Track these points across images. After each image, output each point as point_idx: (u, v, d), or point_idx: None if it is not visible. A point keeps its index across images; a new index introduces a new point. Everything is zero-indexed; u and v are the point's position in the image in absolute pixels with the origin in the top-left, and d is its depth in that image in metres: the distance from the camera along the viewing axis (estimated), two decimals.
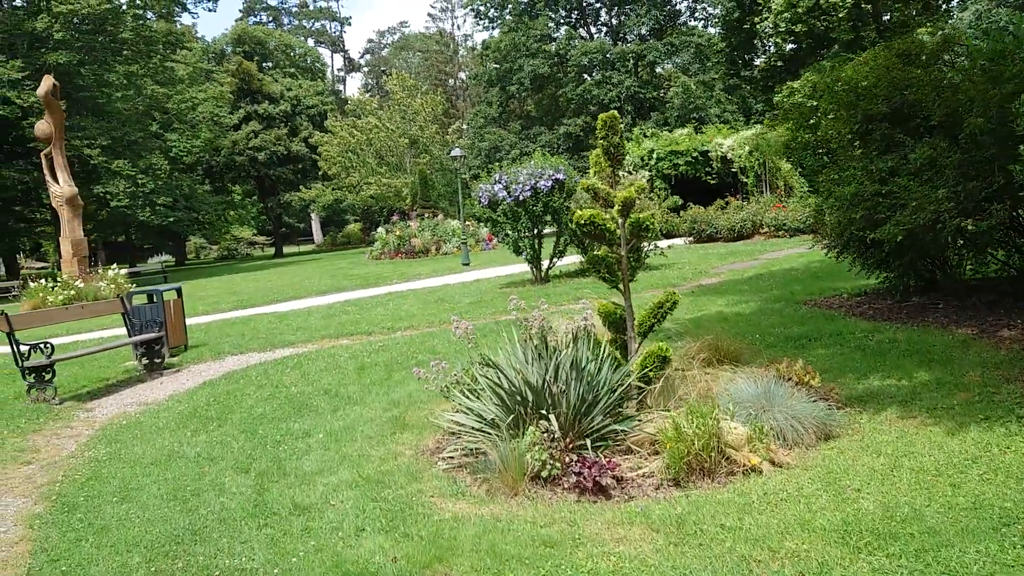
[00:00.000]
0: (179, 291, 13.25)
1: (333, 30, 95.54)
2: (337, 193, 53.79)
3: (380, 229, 38.95)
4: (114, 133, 38.68)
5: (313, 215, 75.47)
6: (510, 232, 17.57)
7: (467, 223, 32.59)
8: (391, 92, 50.75)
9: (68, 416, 9.15)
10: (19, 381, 10.24)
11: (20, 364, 9.76)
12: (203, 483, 6.06)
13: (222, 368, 11.50)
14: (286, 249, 68.87)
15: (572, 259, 19.72)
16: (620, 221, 6.87)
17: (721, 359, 7.81)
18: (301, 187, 58.55)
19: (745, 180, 32.85)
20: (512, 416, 5.88)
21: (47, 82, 25.73)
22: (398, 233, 36.33)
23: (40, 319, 10.60)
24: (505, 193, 17.30)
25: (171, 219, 43.60)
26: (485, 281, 20.66)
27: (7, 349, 10.15)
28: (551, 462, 5.32)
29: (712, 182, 32.79)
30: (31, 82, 33.04)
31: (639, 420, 6.00)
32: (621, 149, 6.98)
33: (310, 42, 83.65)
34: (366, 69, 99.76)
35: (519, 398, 5.97)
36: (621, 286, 7.07)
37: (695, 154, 33.77)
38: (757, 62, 54.30)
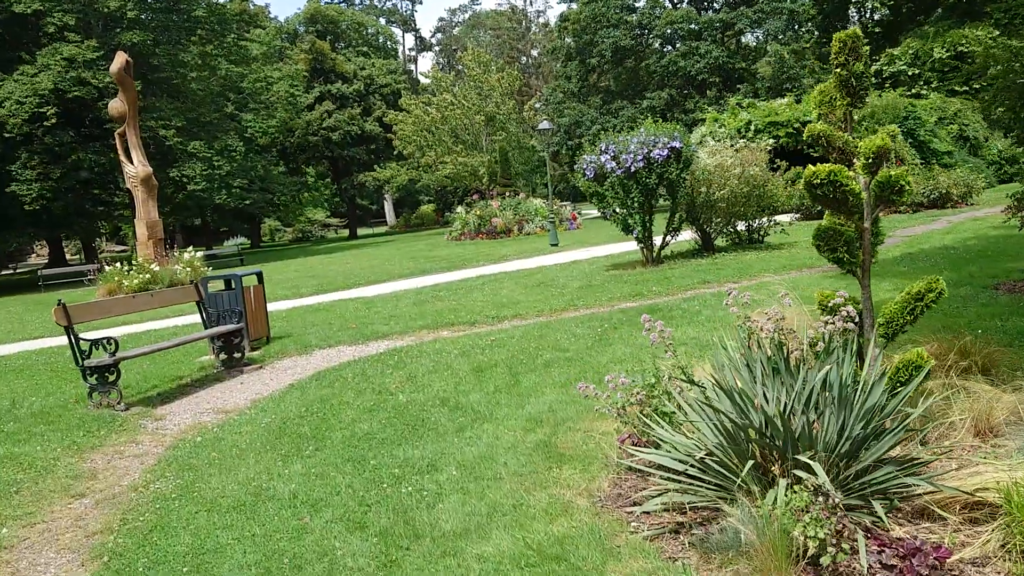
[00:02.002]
0: (259, 276, 11.73)
1: (404, 9, 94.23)
2: (412, 173, 52.39)
3: (459, 209, 37.39)
4: (189, 114, 37.71)
5: (387, 197, 74.44)
6: (619, 208, 15.68)
7: (551, 201, 30.75)
8: (466, 68, 49.08)
9: (134, 427, 7.64)
10: (81, 381, 8.77)
11: (80, 363, 8.29)
12: (304, 546, 4.40)
13: (310, 365, 9.93)
14: (360, 231, 67.93)
15: (682, 237, 17.78)
16: (864, 181, 4.98)
17: (970, 367, 5.89)
18: (376, 167, 57.30)
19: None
20: (748, 461, 4.06)
21: (120, 59, 24.59)
22: (478, 213, 34.71)
23: (100, 311, 9.13)
24: (614, 164, 15.42)
25: (247, 201, 42.63)
26: (585, 263, 18.86)
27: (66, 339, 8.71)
28: (832, 542, 3.48)
29: (815, 154, 30.37)
30: (105, 63, 32.10)
31: (928, 467, 4.15)
32: (865, 81, 5.06)
33: (381, 21, 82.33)
34: (437, 48, 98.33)
35: (754, 433, 4.15)
36: (858, 270, 5.19)
37: (796, 124, 31.43)
38: (858, 25, 51.31)
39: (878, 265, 13.33)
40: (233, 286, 10.95)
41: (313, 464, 5.83)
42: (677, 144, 15.49)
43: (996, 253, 13.24)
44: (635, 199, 15.49)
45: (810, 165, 4.88)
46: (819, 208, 22.94)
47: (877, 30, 45.96)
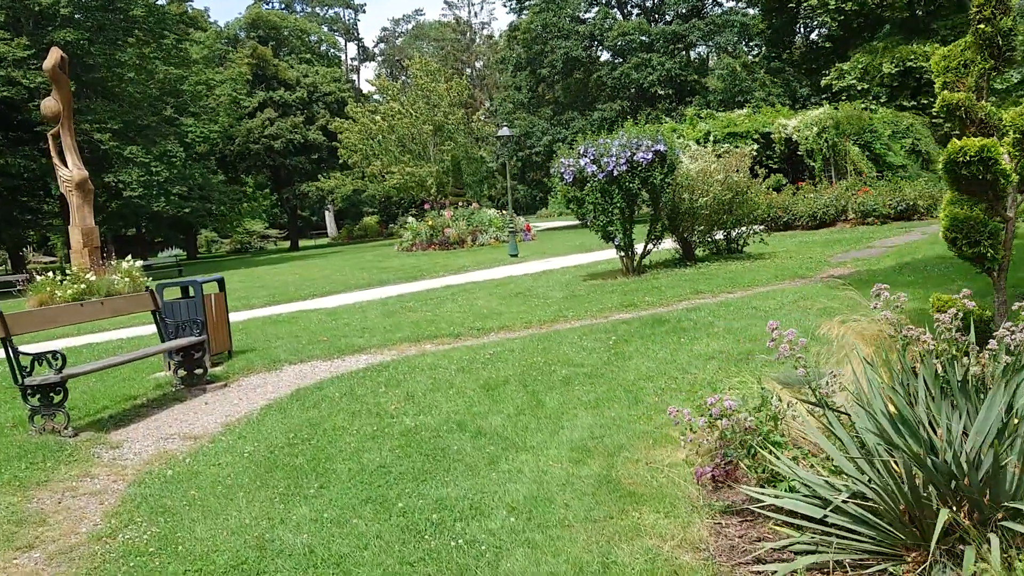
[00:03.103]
0: (221, 283, 10.56)
1: (347, 17, 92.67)
2: (357, 183, 51.04)
3: (410, 219, 36.25)
4: (126, 117, 35.94)
5: (328, 208, 72.75)
6: (600, 215, 14.78)
7: (509, 212, 29.84)
8: (414, 76, 48.01)
9: (86, 456, 6.45)
10: (20, 402, 7.54)
11: (20, 381, 7.06)
12: None
13: (283, 382, 8.80)
14: (301, 243, 66.17)
15: (660, 247, 16.98)
16: (1012, 163, 4.12)
17: None
18: (319, 177, 55.75)
19: (812, 164, 30.15)
20: (943, 510, 3.12)
21: (54, 55, 22.97)
22: (430, 223, 33.62)
23: (44, 320, 7.90)
24: (595, 167, 14.53)
25: (186, 209, 40.87)
26: (557, 273, 17.96)
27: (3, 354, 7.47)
28: None
29: (774, 166, 30.04)
30: (36, 62, 30.32)
31: None
32: (1012, 39, 4.20)
33: (324, 29, 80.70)
34: (380, 58, 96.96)
35: (942, 474, 3.23)
36: (996, 270, 4.34)
37: (756, 136, 31.10)
38: (803, 41, 51.47)
39: (882, 275, 12.68)
40: (192, 294, 9.77)
41: (322, 506, 4.76)
42: (661, 147, 14.68)
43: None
44: (617, 205, 14.62)
45: (954, 139, 4.01)
46: (786, 219, 22.26)
47: (827, 45, 46.24)
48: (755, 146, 25.83)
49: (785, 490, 3.83)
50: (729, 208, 16.13)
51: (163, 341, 9.10)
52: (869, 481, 3.48)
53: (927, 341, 3.92)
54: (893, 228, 21.92)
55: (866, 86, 43.22)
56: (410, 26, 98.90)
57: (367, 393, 7.56)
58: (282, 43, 64.37)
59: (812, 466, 3.95)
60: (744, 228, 17.18)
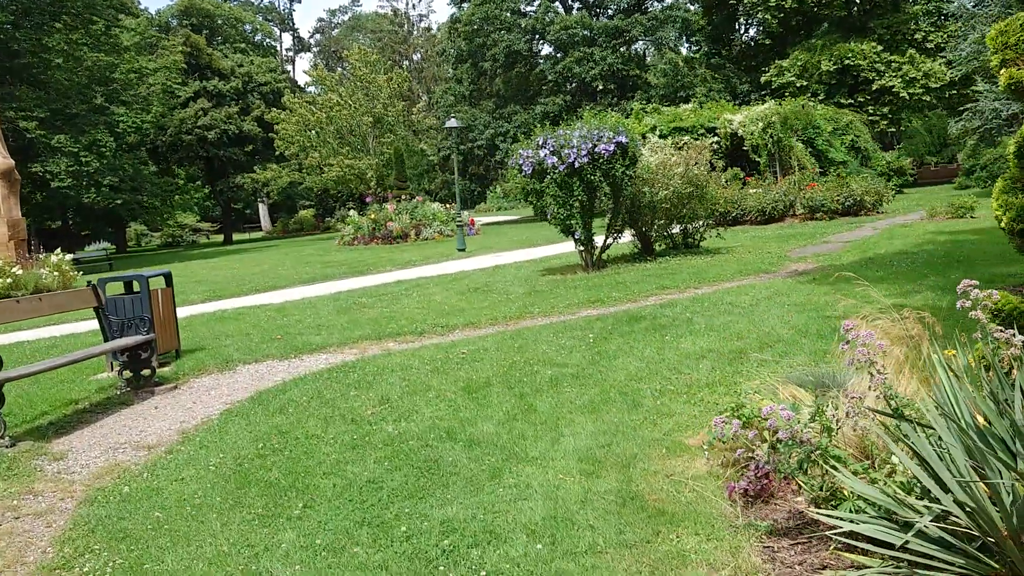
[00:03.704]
0: (168, 277, 9.84)
1: (282, 7, 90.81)
2: (294, 175, 49.85)
3: (352, 212, 35.41)
4: (53, 105, 34.36)
5: (263, 202, 71.09)
6: (560, 208, 14.33)
7: (458, 205, 29.27)
8: (352, 67, 47.04)
9: (27, 469, 5.78)
10: None
11: None
12: None
13: (238, 384, 8.17)
14: (235, 236, 64.52)
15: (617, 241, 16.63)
16: None
17: None
18: (255, 169, 54.33)
19: (757, 159, 30.16)
20: None
21: None
22: (373, 216, 32.82)
23: None
24: (555, 159, 14.08)
25: (118, 201, 39.28)
26: (511, 267, 17.49)
27: None
28: None
29: (720, 161, 30.02)
30: None
31: None
32: None
33: (259, 19, 78.83)
34: (316, 49, 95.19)
35: None
36: None
37: (701, 131, 31.03)
38: (743, 38, 51.81)
39: (848, 270, 12.48)
40: (137, 289, 9.06)
41: (311, 529, 4.21)
42: (623, 139, 14.31)
43: (966, 258, 12.57)
44: (578, 198, 14.20)
45: None
46: (735, 214, 22.09)
47: (767, 42, 46.56)
48: (715, 138, 25.65)
49: (849, 510, 3.41)
50: (688, 202, 15.84)
51: (107, 340, 8.39)
52: (956, 502, 3.08)
53: (1017, 344, 3.53)
54: (842, 223, 21.95)
55: (805, 83, 43.66)
56: (347, 17, 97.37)
57: (337, 396, 6.98)
58: (216, 32, 62.61)
59: (874, 482, 3.54)
60: (701, 223, 16.93)
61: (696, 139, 24.51)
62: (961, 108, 31.00)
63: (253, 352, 9.59)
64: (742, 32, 51.97)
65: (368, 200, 36.22)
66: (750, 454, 3.92)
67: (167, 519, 4.56)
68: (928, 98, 43.46)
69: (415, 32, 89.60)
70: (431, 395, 6.71)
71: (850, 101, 42.72)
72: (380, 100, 46.61)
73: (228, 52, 59.75)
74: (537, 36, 49.09)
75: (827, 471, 3.71)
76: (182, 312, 14.42)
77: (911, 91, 42.72)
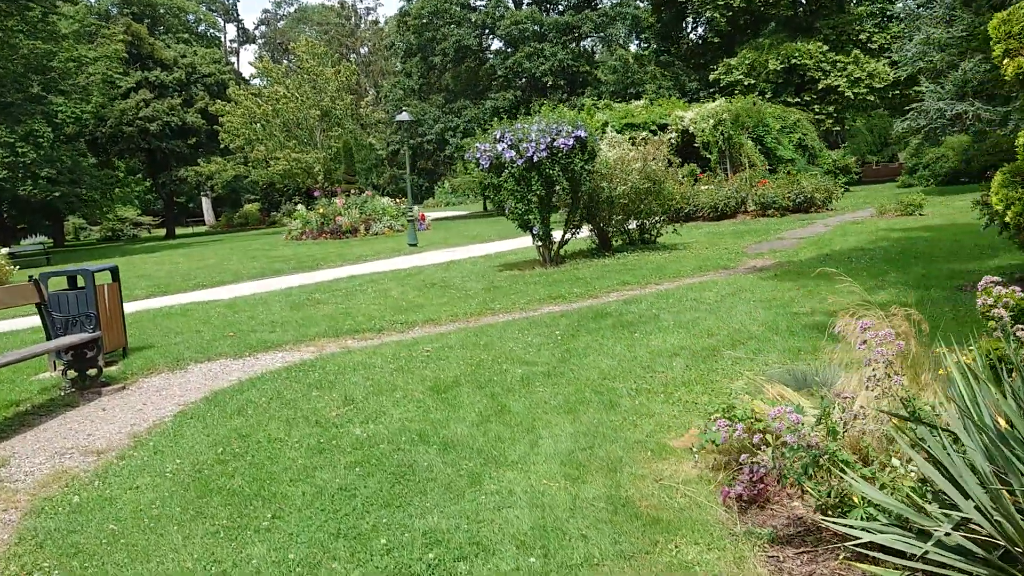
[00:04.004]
0: (115, 272, 9.40)
1: None
2: (240, 168, 48.91)
3: (300, 207, 34.82)
4: None
5: (206, 195, 69.71)
6: (518, 203, 14.10)
7: (409, 200, 28.88)
8: (300, 59, 46.28)
9: None
10: None
11: None
12: None
13: (191, 384, 7.80)
14: (178, 231, 63.14)
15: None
16: None
17: None
18: (198, 161, 53.18)
19: (708, 156, 30.26)
20: None
21: None
22: (321, 211, 32.30)
23: None
24: (514, 153, 13.86)
25: (56, 193, 38.09)
26: (466, 263, 17.23)
27: None
28: None
29: (676, 158, 30.07)
30: None
31: None
32: None
33: (202, 9, 77.21)
34: (262, 41, 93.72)
35: None
36: None
37: (653, 127, 31.03)
38: (691, 36, 52.09)
39: (807, 266, 12.48)
40: (82, 284, 8.62)
41: (283, 543, 3.92)
42: (582, 133, 14.14)
43: (923, 255, 12.64)
44: (536, 193, 13.99)
45: None
46: (688, 210, 22.04)
47: (715, 40, 46.85)
48: (673, 134, 25.63)
49: (859, 517, 3.24)
50: (646, 197, 15.74)
51: (50, 338, 7.97)
52: (978, 509, 2.92)
53: None
54: (794, 220, 22.08)
55: (753, 81, 44.03)
56: (292, 9, 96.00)
57: (298, 397, 6.67)
58: (158, 21, 61.15)
59: (884, 487, 3.37)
60: (658, 218, 16.85)
61: (653, 135, 24.39)
62: (907, 108, 31.48)
63: (205, 350, 9.21)
64: (690, 30, 52.28)
65: (316, 194, 35.67)
66: (753, 459, 3.72)
67: (123, 532, 4.24)
68: (872, 98, 44.14)
69: (363, 25, 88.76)
70: (398, 395, 6.44)
71: (797, 100, 43.18)
72: (328, 93, 45.92)
73: (171, 42, 58.43)
74: (487, 31, 48.77)
75: (831, 476, 3.54)
76: (127, 308, 13.93)
77: (856, 91, 43.33)
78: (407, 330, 9.82)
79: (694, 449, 4.49)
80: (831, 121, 44.66)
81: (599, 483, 4.32)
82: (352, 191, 35.72)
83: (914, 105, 30.22)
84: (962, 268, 11.05)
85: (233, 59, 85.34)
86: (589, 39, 50.41)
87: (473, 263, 17.00)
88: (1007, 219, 4.72)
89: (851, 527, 3.19)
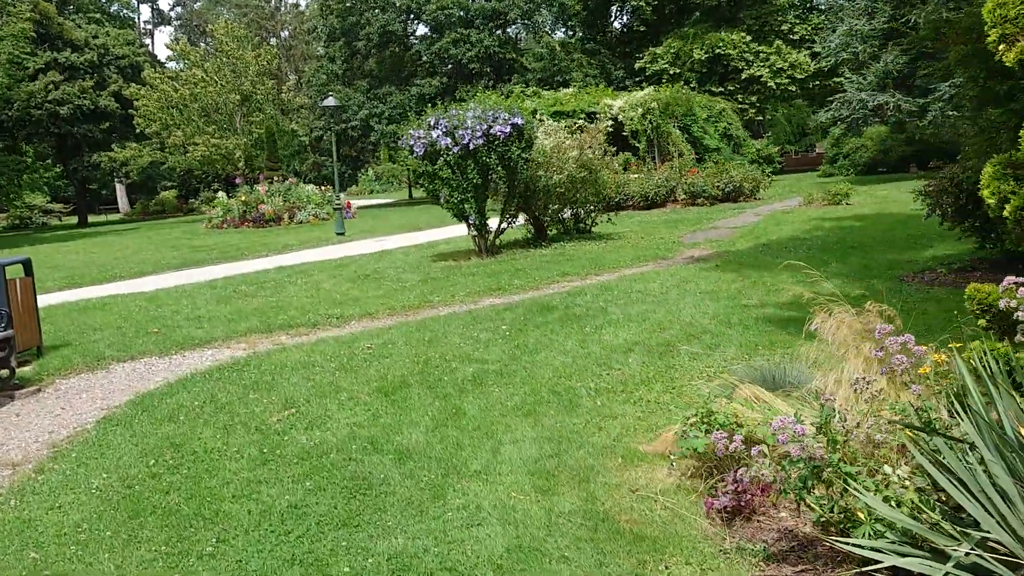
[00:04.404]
0: (27, 265, 8.77)
1: None
2: (156, 154, 47.34)
3: (221, 194, 33.81)
4: None
5: (121, 182, 67.41)
6: (454, 192, 13.72)
7: (336, 188, 28.20)
8: (219, 42, 44.96)
9: None
10: None
11: None
12: None
13: (115, 386, 7.27)
14: (90, 218, 60.88)
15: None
16: None
17: None
18: (112, 147, 51.21)
19: (637, 145, 30.27)
20: None
21: None
22: (243, 198, 31.38)
23: None
24: (449, 140, 13.47)
25: None
26: (398, 253, 16.79)
27: None
28: None
29: (608, 147, 30.02)
30: None
31: None
32: None
33: None
34: (177, 23, 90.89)
35: None
36: None
37: (582, 115, 30.90)
38: (617, 24, 52.21)
39: (746, 256, 12.41)
40: None
41: (230, 571, 3.53)
42: (519, 120, 13.85)
43: (859, 245, 12.69)
44: (472, 181, 13.65)
45: None
46: (619, 199, 21.89)
47: (641, 29, 46.97)
48: (609, 122, 25.47)
49: (866, 535, 3.01)
50: (582, 186, 15.53)
51: None
52: (1001, 525, 2.71)
53: None
54: (724, 209, 22.16)
55: (678, 70, 44.33)
56: None
57: (234, 400, 6.23)
58: (67, 0, 58.70)
59: (886, 499, 3.15)
60: (593, 207, 16.66)
61: (590, 122, 24.16)
62: (828, 99, 32.03)
63: (128, 348, 8.65)
64: (616, 19, 52.40)
65: (238, 182, 34.71)
66: (748, 471, 3.46)
67: (46, 560, 3.80)
68: (794, 88, 44.87)
69: (283, 8, 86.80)
70: (343, 397, 6.05)
71: (721, 89, 43.60)
72: (248, 77, 44.77)
73: (81, 22, 56.08)
74: (412, 16, 48.03)
75: (829, 488, 3.31)
76: (40, 301, 13.16)
77: (778, 81, 43.95)
78: (343, 325, 9.40)
79: (671, 456, 4.24)
80: (754, 111, 45.26)
81: (572, 495, 4.04)
82: (275, 178, 34.82)
83: (837, 95, 30.79)
84: (900, 258, 11.09)
85: (148, 41, 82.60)
86: (515, 25, 50.04)
87: (406, 253, 16.57)
88: (1005, 214, 4.56)
89: (859, 546, 2.96)
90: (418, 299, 10.55)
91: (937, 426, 3.13)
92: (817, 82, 44.26)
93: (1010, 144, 8.19)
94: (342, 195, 35.54)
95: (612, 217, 17.53)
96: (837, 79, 41.76)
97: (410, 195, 53.12)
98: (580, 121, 21.31)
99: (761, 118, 47.66)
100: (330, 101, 26.08)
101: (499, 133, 13.48)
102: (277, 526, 3.92)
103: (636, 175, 25.88)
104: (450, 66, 46.31)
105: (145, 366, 8.01)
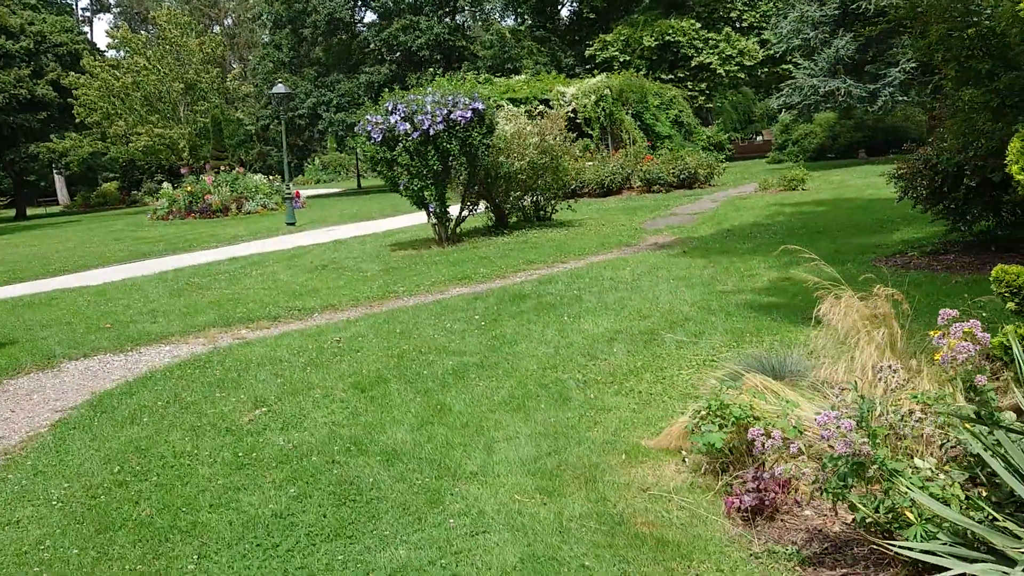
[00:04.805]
0: None
1: None
2: (97, 144, 46.06)
3: (166, 185, 32.94)
4: None
5: (59, 174, 65.55)
6: (414, 179, 13.36)
7: (286, 177, 27.59)
8: (162, 29, 43.87)
9: None
10: None
11: None
12: None
13: (68, 385, 6.84)
14: (28, 211, 59.10)
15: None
16: None
17: None
18: (51, 137, 49.69)
19: (590, 132, 30.10)
20: None
21: None
22: (189, 189, 30.59)
23: None
24: (408, 126, 13.11)
25: None
26: (354, 242, 16.39)
27: None
28: None
29: (568, 133, 29.80)
30: None
31: None
32: None
33: None
34: (117, 10, 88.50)
35: None
36: None
37: (535, 102, 30.64)
38: (566, 12, 51.97)
39: (712, 242, 12.28)
40: None
41: None
42: (480, 105, 13.54)
43: (824, 229, 12.64)
44: (432, 168, 13.30)
45: None
46: (575, 186, 21.66)
47: (591, 16, 46.80)
48: (569, 108, 25.21)
49: (915, 537, 2.79)
50: (544, 173, 15.27)
51: None
52: None
53: None
54: (680, 196, 22.08)
55: (628, 58, 44.26)
56: None
57: (200, 399, 5.86)
58: None
59: (933, 496, 2.94)
60: (554, 194, 16.42)
61: (548, 108, 23.88)
62: (780, 85, 32.19)
63: (80, 345, 8.20)
64: (563, 6, 52.17)
65: (184, 172, 33.89)
66: (797, 472, 3.22)
67: None
68: (743, 75, 45.08)
69: None
70: (317, 394, 5.72)
71: (671, 76, 43.62)
72: (192, 65, 43.78)
73: (16, 8, 54.25)
74: (360, 3, 47.29)
75: (868, 485, 3.10)
76: None
77: (727, 68, 44.11)
78: (306, 317, 9.04)
79: (683, 452, 4.00)
80: (703, 98, 45.39)
81: (580, 496, 3.78)
82: (222, 168, 34.02)
83: (788, 82, 30.91)
84: (868, 242, 11.02)
85: (87, 29, 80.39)
86: (464, 12, 49.56)
87: (362, 243, 16.17)
88: None
89: (911, 548, 2.74)
90: (381, 289, 10.21)
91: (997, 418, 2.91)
92: (766, 69, 44.54)
93: (989, 124, 8.11)
94: (291, 184, 34.91)
95: (572, 204, 17.29)
96: (785, 66, 42.22)
97: (359, 184, 52.43)
98: (540, 107, 21.01)
99: (710, 106, 47.81)
100: (279, 88, 25.47)
101: (460, 118, 13.15)
102: (263, 539, 3.60)
103: (590, 162, 25.70)
104: (399, 53, 45.71)
105: (99, 364, 7.58)
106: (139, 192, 56.32)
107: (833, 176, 23.84)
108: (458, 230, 14.79)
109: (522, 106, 29.76)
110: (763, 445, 3.17)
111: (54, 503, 4.23)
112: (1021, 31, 6.92)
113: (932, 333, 4.30)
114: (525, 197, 16.02)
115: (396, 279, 10.92)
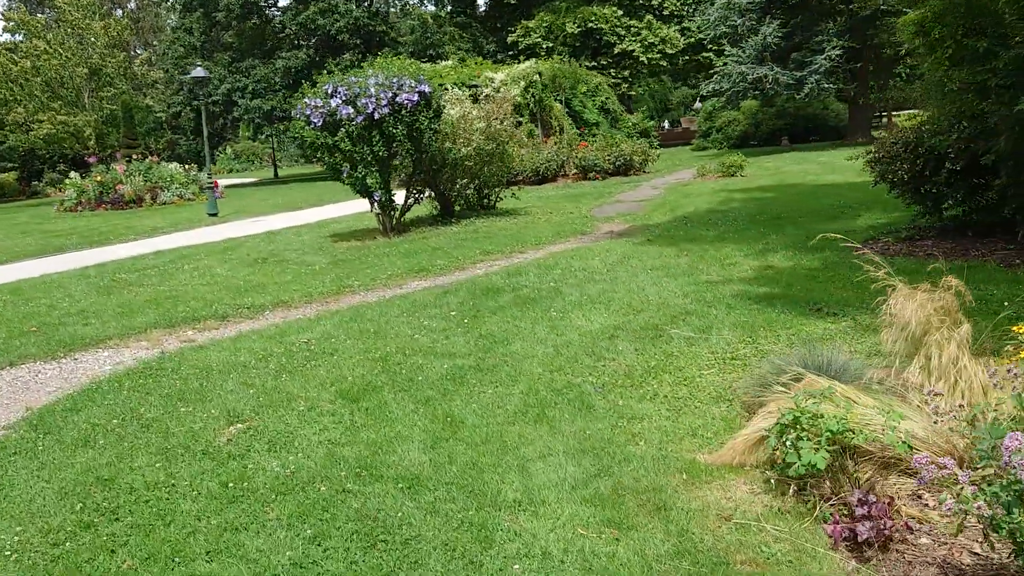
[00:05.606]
0: None
1: None
2: None
3: (73, 174, 31.19)
4: None
5: None
6: (358, 166, 12.60)
7: (208, 166, 26.33)
8: (62, 11, 41.72)
9: None
10: None
11: None
12: None
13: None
14: None
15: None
16: None
17: None
18: None
19: (520, 119, 29.56)
20: None
21: None
22: (99, 179, 29.00)
23: None
24: (351, 109, 12.34)
25: None
26: (289, 233, 15.56)
27: None
28: None
29: (518, 117, 29.23)
30: None
31: None
32: None
33: None
34: None
35: None
36: None
37: (463, 88, 29.98)
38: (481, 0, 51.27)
39: (676, 229, 11.89)
40: None
41: None
42: (426, 88, 12.86)
43: (786, 215, 12.38)
44: (377, 154, 12.58)
45: None
46: (518, 176, 21.10)
47: (512, 2, 46.27)
48: (517, 91, 24.55)
49: None
50: (491, 160, 14.67)
51: None
52: None
53: None
54: (618, 183, 21.79)
55: (551, 44, 43.89)
56: None
57: (162, 415, 5.11)
58: None
59: None
60: (498, 182, 15.83)
61: (496, 94, 23.23)
62: (710, 71, 32.21)
63: (6, 353, 7.29)
64: None
65: (91, 161, 32.17)
66: (970, 506, 2.72)
67: None
68: (665, 63, 45.15)
69: None
70: (301, 407, 5.03)
71: (594, 63, 43.36)
72: (97, 49, 41.78)
73: None
74: None
75: None
76: None
77: (649, 56, 44.08)
78: (257, 316, 8.29)
79: (758, 470, 3.48)
80: (626, 86, 45.30)
81: (657, 529, 3.22)
82: (134, 156, 32.43)
83: (717, 68, 30.89)
84: (835, 228, 10.66)
85: None
86: None
87: (298, 234, 15.32)
88: None
89: None
90: (335, 284, 9.50)
91: None
92: (687, 57, 44.72)
93: (974, 105, 7.84)
94: (210, 173, 33.51)
95: (516, 192, 16.72)
96: (707, 55, 42.49)
97: (275, 174, 50.93)
98: (487, 90, 20.34)
99: (632, 93, 47.80)
100: (198, 72, 24.15)
101: (406, 101, 12.45)
102: None
103: (524, 149, 25.19)
104: (316, 38, 44.33)
105: (30, 373, 6.71)
106: (40, 183, 53.66)
107: (765, 163, 23.81)
108: (403, 220, 14.08)
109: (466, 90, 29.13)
110: (929, 474, 2.66)
111: (7, 554, 3.48)
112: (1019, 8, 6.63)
113: (1016, 329, 3.88)
114: (470, 185, 15.40)
115: (348, 272, 10.20)
